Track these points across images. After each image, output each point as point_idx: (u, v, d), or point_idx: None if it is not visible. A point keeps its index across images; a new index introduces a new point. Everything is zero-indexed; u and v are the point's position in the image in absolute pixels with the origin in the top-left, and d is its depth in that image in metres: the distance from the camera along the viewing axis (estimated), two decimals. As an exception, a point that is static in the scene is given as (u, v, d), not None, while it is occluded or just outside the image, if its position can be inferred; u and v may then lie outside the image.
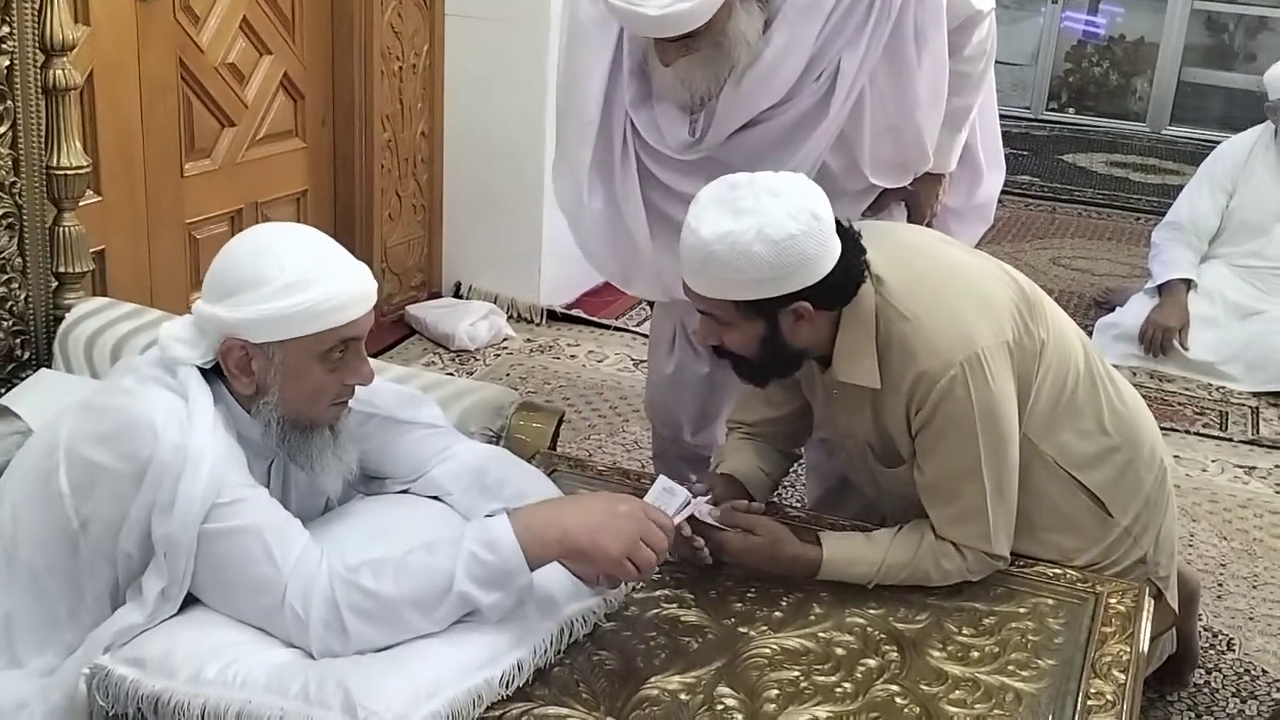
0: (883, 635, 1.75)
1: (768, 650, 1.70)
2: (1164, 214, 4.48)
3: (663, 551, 1.63)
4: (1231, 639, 2.71)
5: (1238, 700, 2.50)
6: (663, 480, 1.75)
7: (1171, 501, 2.14)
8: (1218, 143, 4.54)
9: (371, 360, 1.72)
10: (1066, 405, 1.98)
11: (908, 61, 2.24)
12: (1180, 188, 4.55)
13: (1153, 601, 1.89)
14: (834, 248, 1.79)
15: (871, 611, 1.80)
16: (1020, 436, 1.90)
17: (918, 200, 2.50)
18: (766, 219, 1.73)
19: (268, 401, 1.63)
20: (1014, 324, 1.90)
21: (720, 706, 1.58)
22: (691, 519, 1.79)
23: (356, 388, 1.70)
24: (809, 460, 2.72)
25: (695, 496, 1.80)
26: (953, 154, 2.48)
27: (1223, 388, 4.03)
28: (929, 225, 2.48)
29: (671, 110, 2.28)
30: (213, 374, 1.65)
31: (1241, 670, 2.60)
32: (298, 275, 1.58)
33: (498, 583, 1.54)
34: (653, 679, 1.62)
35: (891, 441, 1.93)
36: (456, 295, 4.36)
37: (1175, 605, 2.18)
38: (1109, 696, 1.61)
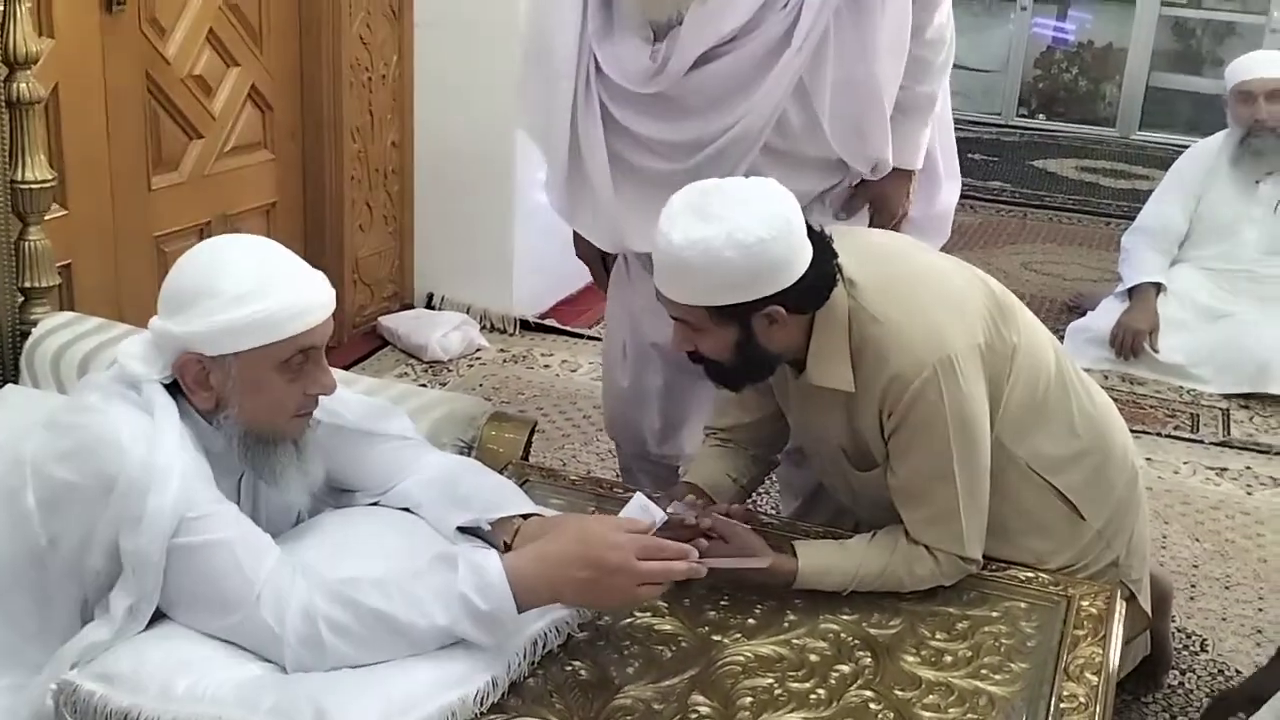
0: (856, 641, 1.75)
1: (741, 658, 1.69)
2: (1134, 218, 4.51)
3: (662, 584, 1.61)
4: (1205, 640, 2.72)
5: (1211, 700, 2.51)
6: (639, 498, 1.71)
7: (1143, 504, 2.15)
8: (1186, 147, 4.58)
9: (343, 372, 1.71)
10: (1038, 409, 1.99)
11: (871, 6, 2.23)
12: (1150, 192, 4.58)
13: (1125, 604, 1.90)
14: (805, 252, 1.80)
15: (845, 617, 1.80)
16: (992, 439, 1.90)
17: (886, 200, 2.49)
18: (737, 224, 1.73)
19: (228, 415, 1.61)
20: (986, 327, 1.91)
21: (694, 715, 1.57)
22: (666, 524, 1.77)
23: (321, 399, 1.68)
24: (781, 475, 2.72)
25: (671, 513, 1.78)
26: (919, 147, 2.47)
27: (1193, 390, 4.06)
28: (896, 229, 2.48)
29: (633, 40, 2.28)
30: (176, 389, 1.63)
31: (1215, 670, 2.61)
32: (250, 285, 1.56)
33: (486, 627, 1.54)
34: (626, 688, 1.61)
35: (865, 444, 1.93)
36: (429, 306, 4.35)
37: (1148, 608, 2.19)
38: (1081, 699, 1.61)
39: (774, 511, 2.84)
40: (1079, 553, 2.02)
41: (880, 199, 2.49)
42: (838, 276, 1.85)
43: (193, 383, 1.60)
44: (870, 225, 2.48)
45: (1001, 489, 1.93)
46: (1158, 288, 4.21)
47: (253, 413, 1.61)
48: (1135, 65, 7.93)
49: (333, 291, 1.64)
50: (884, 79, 2.32)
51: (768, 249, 1.74)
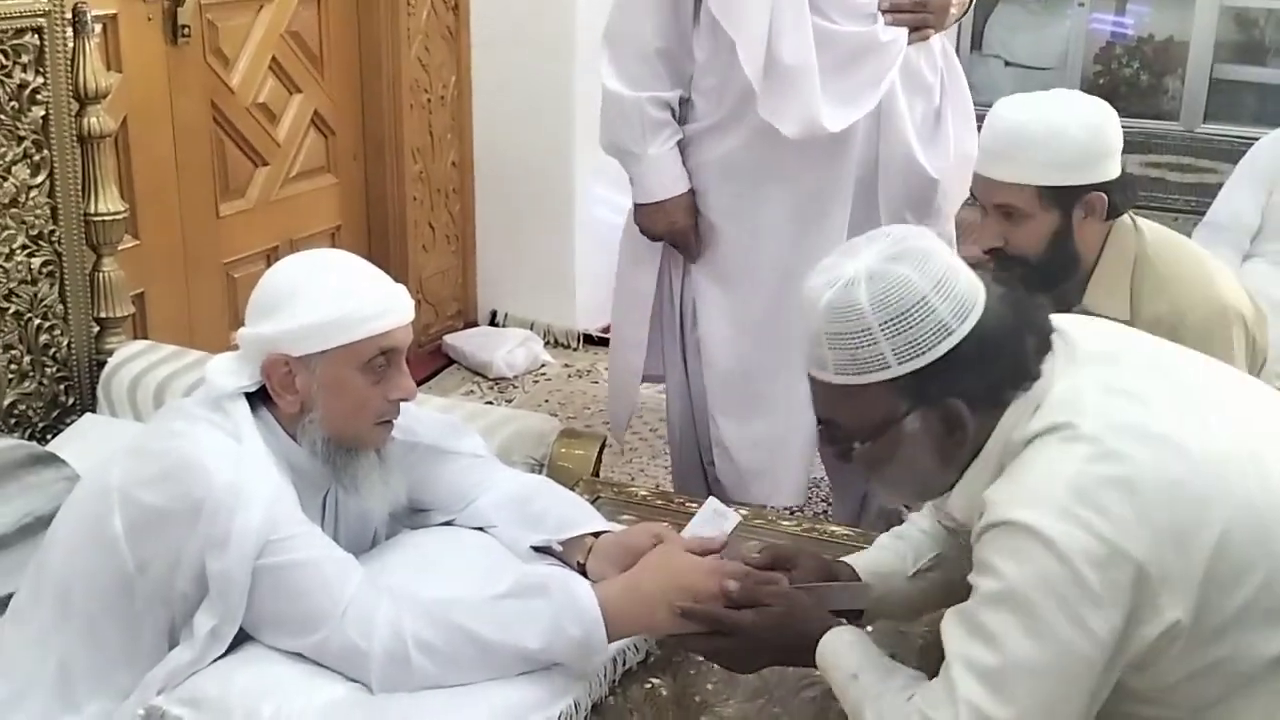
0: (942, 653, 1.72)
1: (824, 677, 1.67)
2: (1203, 213, 4.42)
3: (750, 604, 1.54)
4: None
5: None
6: (712, 502, 1.72)
7: None
8: (1254, 139, 4.48)
9: (412, 391, 1.72)
10: None
11: None
12: (1218, 186, 4.49)
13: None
14: (1120, 153, 1.94)
15: (926, 629, 1.77)
16: None
17: None
18: (1078, 104, 1.91)
19: (312, 419, 1.63)
20: (1251, 315, 1.99)
21: (777, 732, 1.56)
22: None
23: (400, 417, 1.70)
24: (835, 479, 2.76)
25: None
26: None
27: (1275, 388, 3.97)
28: None
29: None
30: (260, 406, 1.65)
31: None
32: (335, 286, 1.61)
33: (576, 654, 1.54)
34: (708, 705, 1.60)
35: None
36: (492, 323, 4.37)
37: None
38: None
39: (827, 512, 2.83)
40: None
41: None
42: (1137, 192, 1.98)
43: (279, 385, 1.62)
44: None
45: None
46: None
47: (336, 416, 1.63)
48: (1198, 58, 7.78)
49: (411, 301, 1.67)
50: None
51: (1103, 132, 1.90)
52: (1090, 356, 1.37)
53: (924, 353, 1.31)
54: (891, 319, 1.30)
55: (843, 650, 1.44)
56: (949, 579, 1.58)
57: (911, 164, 2.50)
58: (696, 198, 2.55)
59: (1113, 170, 1.93)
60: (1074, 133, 1.88)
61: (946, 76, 2.58)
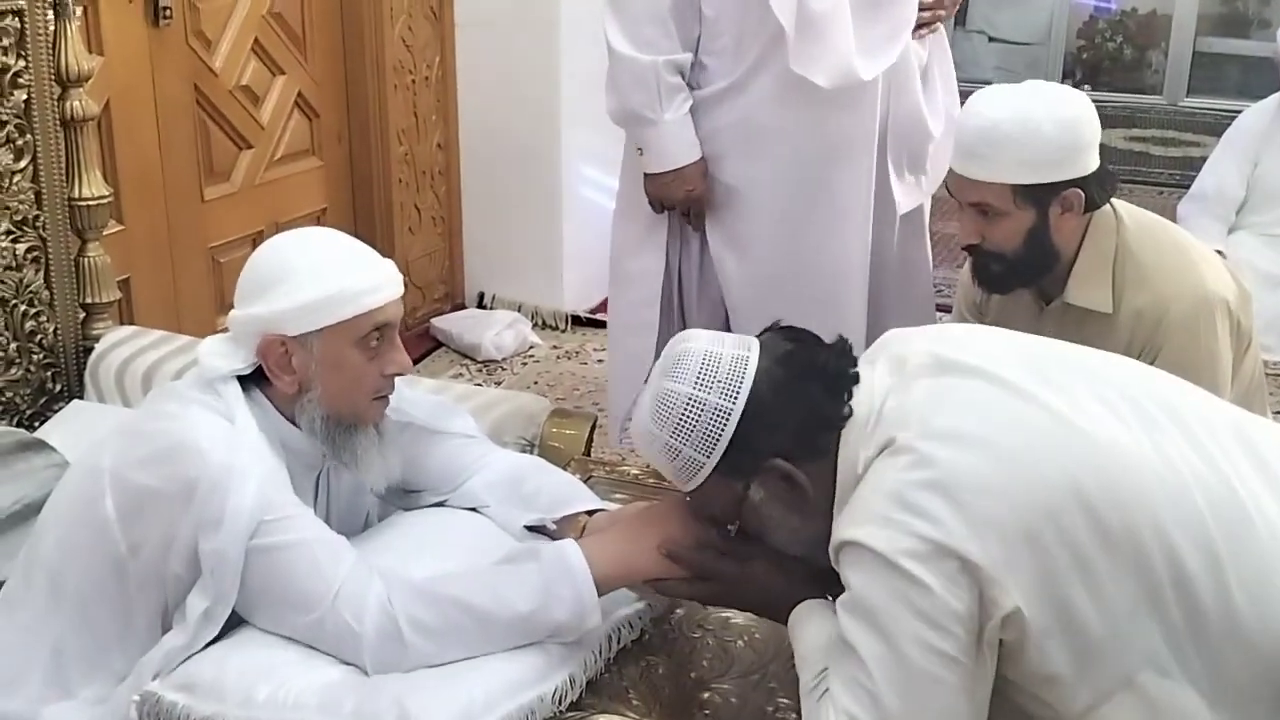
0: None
1: (817, 647, 1.68)
2: (1187, 187, 4.44)
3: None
4: None
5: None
6: None
7: None
8: (1237, 112, 4.49)
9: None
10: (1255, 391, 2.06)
11: None
12: (1202, 159, 4.51)
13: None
14: (1097, 147, 1.93)
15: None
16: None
17: None
18: (1054, 100, 1.89)
19: (311, 398, 1.63)
20: (1235, 300, 1.98)
21: (772, 709, 1.57)
22: None
23: (392, 397, 1.70)
24: None
25: None
26: None
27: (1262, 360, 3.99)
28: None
29: None
30: (253, 386, 1.65)
31: None
32: (327, 263, 1.61)
33: (568, 608, 1.54)
34: (703, 682, 1.61)
35: None
36: (480, 305, 4.37)
37: None
38: None
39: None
40: None
41: None
42: (1117, 184, 1.98)
43: (276, 366, 1.62)
44: None
45: None
46: (1218, 255, 4.14)
47: (334, 393, 1.63)
48: (1181, 30, 7.79)
49: (400, 275, 1.68)
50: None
51: (1079, 128, 1.88)
52: (920, 369, 1.43)
53: (717, 440, 1.42)
54: (675, 427, 1.43)
55: (800, 630, 1.49)
56: None
57: (918, 119, 2.50)
58: (713, 164, 2.50)
59: (1090, 164, 1.92)
60: (1048, 130, 1.86)
61: (932, 40, 2.57)
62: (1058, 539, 1.29)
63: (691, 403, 1.42)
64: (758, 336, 1.50)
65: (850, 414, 1.43)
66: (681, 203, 2.53)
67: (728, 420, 1.41)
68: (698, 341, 1.48)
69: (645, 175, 2.53)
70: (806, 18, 2.32)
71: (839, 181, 2.46)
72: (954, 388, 1.39)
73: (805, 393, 1.43)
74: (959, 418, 1.35)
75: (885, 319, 2.57)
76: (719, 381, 1.42)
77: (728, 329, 2.60)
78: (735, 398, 1.41)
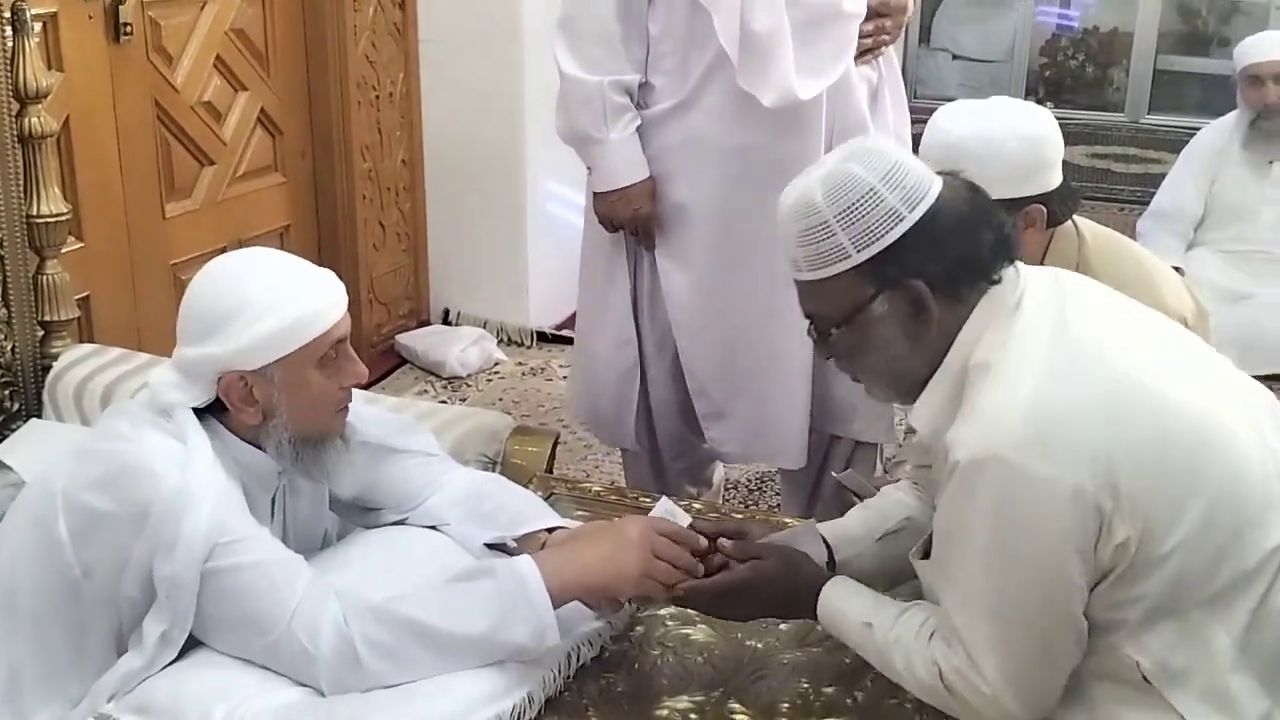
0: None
1: (776, 665, 1.68)
2: (1148, 203, 4.48)
3: (678, 560, 1.61)
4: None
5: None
6: (664, 502, 1.73)
7: None
8: (1198, 129, 4.55)
9: (363, 392, 1.71)
10: None
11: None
12: (1163, 176, 4.55)
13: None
14: (1060, 164, 1.95)
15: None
16: None
17: None
18: (1017, 118, 1.91)
19: (276, 424, 1.62)
20: (1192, 315, 2.03)
21: (732, 724, 1.57)
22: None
23: (350, 418, 1.70)
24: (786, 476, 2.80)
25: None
26: None
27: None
28: None
29: None
30: (206, 414, 1.63)
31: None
32: (276, 292, 1.58)
33: (523, 623, 1.53)
34: (663, 699, 1.61)
35: None
36: (445, 322, 4.36)
37: None
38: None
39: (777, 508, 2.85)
40: None
41: None
42: (1079, 202, 2.00)
43: (239, 401, 1.61)
44: None
45: None
46: (1177, 272, 4.18)
47: (300, 415, 1.63)
48: (1142, 49, 7.88)
49: (342, 284, 1.67)
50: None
51: (1041, 145, 1.90)
52: (1064, 294, 1.47)
53: (878, 239, 1.43)
54: (844, 211, 1.43)
55: (848, 600, 1.55)
56: (916, 541, 1.64)
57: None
58: (662, 183, 2.53)
59: (1052, 180, 1.93)
60: (1011, 148, 1.88)
61: (883, 62, 2.59)
62: (1172, 480, 1.36)
63: (872, 194, 1.42)
64: (939, 173, 1.50)
65: (1000, 280, 1.45)
66: (629, 222, 2.55)
67: (897, 225, 1.42)
68: (891, 147, 1.49)
69: (594, 194, 2.56)
70: (749, 38, 2.35)
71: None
72: (1091, 319, 1.44)
73: (976, 235, 1.45)
74: (1094, 348, 1.41)
75: None
76: (904, 187, 1.43)
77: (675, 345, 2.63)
78: (914, 208, 1.42)
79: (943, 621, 1.46)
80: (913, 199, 1.43)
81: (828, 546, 1.70)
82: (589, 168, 2.57)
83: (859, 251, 1.43)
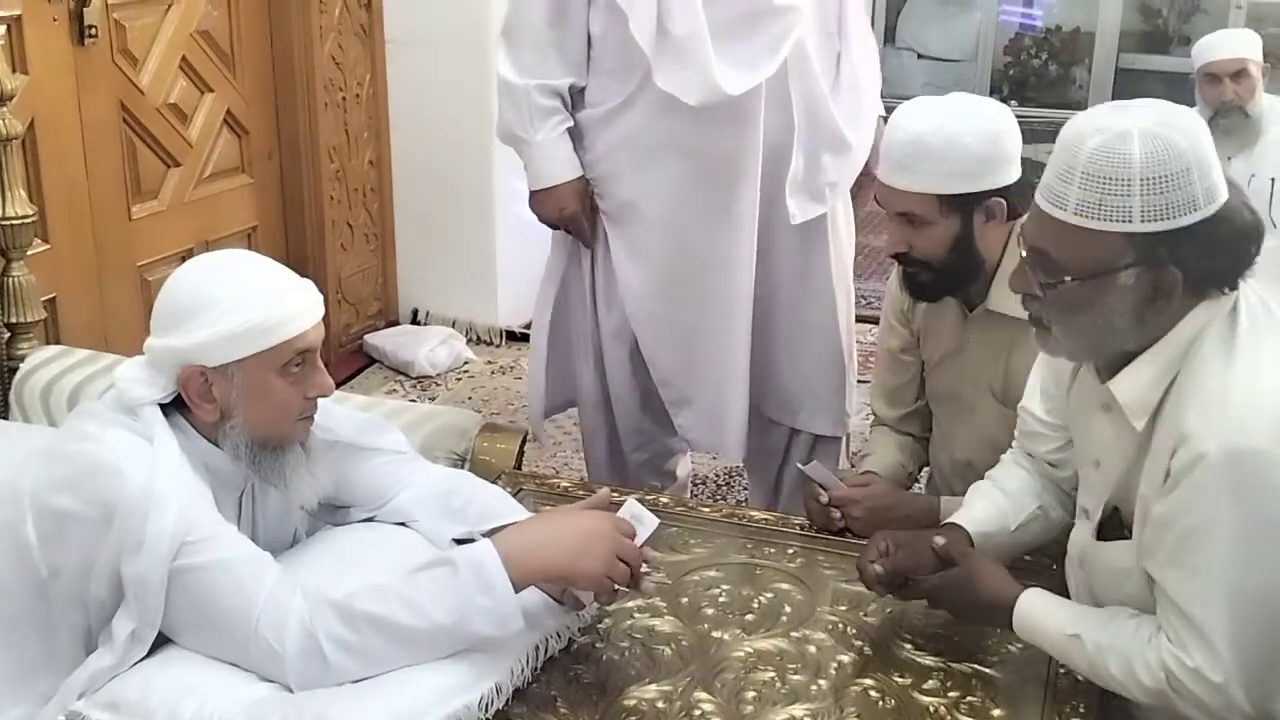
0: (854, 630, 1.76)
1: (742, 653, 1.71)
2: (1109, 200, 4.54)
3: (637, 563, 1.63)
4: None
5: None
6: (631, 504, 1.72)
7: None
8: (1157, 127, 4.60)
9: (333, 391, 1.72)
10: None
11: None
12: (1123, 173, 4.60)
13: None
14: (1019, 157, 1.97)
15: (841, 609, 1.81)
16: None
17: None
18: (975, 113, 1.94)
19: (234, 425, 1.63)
20: None
21: (698, 712, 1.59)
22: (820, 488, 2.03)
23: (319, 416, 1.70)
24: (753, 465, 2.87)
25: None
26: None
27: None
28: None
29: None
30: (173, 410, 1.64)
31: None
32: (246, 292, 1.59)
33: (486, 611, 1.54)
34: (630, 689, 1.63)
35: (1020, 381, 1.92)
36: (414, 322, 4.36)
37: None
38: (1079, 679, 1.63)
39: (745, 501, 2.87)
40: None
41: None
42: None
43: (197, 396, 1.61)
44: None
45: None
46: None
47: (258, 419, 1.63)
48: (1104, 48, 7.97)
49: (320, 297, 1.67)
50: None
51: (1000, 139, 1.93)
52: (1265, 295, 1.49)
53: (1169, 218, 1.40)
54: (1155, 178, 1.39)
55: (1049, 613, 1.59)
56: (1046, 530, 1.80)
57: (831, 130, 2.53)
58: (610, 181, 2.57)
59: (1012, 174, 1.97)
60: (970, 142, 1.92)
61: (861, 51, 2.62)
62: None
63: (1186, 174, 1.39)
64: None
65: (1228, 293, 1.46)
66: (558, 220, 2.62)
67: (1192, 213, 1.40)
68: (1206, 128, 1.47)
69: (529, 193, 2.62)
70: (665, 41, 2.39)
71: (732, 194, 2.53)
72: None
73: (1247, 249, 1.45)
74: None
75: (775, 325, 2.67)
76: (1210, 179, 1.41)
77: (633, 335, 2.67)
78: (1211, 202, 1.41)
79: (1168, 619, 1.46)
80: (1212, 193, 1.42)
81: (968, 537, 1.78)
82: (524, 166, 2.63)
83: (1144, 222, 1.40)
